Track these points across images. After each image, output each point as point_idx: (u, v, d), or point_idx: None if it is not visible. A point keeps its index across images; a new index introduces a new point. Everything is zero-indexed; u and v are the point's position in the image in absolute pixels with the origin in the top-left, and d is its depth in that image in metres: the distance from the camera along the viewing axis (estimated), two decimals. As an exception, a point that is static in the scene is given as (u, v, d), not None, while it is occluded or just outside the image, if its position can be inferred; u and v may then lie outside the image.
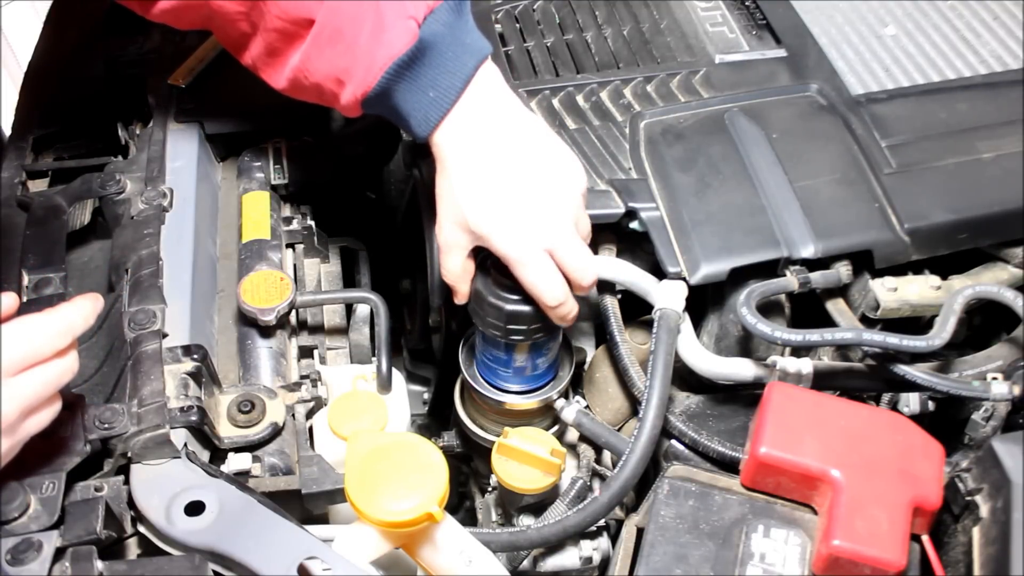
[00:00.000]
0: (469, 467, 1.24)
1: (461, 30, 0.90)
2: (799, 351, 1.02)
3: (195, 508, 0.82)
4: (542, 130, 0.94)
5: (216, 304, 1.07)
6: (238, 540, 0.79)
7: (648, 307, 1.02)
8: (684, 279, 1.01)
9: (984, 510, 0.84)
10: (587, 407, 1.08)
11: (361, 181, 1.25)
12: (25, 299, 0.96)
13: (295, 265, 1.15)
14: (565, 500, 1.02)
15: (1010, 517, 0.79)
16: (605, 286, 1.07)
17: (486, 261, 0.95)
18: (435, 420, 1.42)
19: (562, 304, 0.91)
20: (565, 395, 1.05)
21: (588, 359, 1.16)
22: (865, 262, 1.03)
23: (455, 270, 0.95)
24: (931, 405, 1.02)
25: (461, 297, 0.97)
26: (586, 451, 1.09)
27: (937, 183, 1.06)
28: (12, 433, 0.74)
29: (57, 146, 1.23)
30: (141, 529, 0.83)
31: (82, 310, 0.78)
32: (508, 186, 0.89)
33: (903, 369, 0.96)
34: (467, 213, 0.89)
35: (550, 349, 1.02)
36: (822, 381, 0.99)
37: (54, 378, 0.75)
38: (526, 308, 0.93)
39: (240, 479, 0.88)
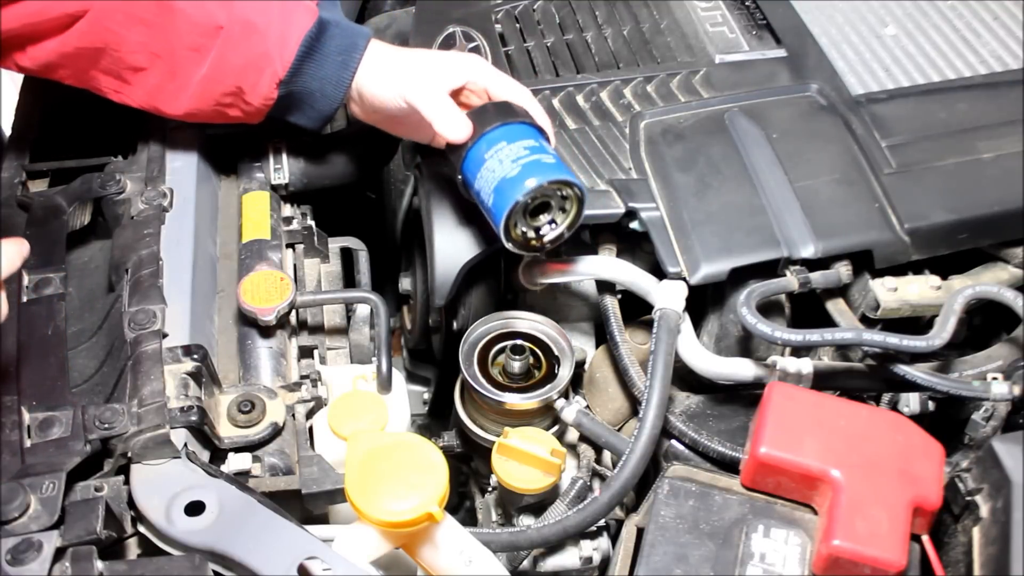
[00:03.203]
0: (469, 467, 1.24)
1: (345, 16, 1.05)
2: (799, 351, 1.02)
3: (195, 508, 0.82)
4: None
5: (216, 304, 1.06)
6: (238, 540, 0.79)
7: (648, 307, 1.02)
8: (684, 279, 1.01)
9: (984, 510, 0.84)
10: (587, 407, 1.08)
11: (361, 181, 1.25)
12: (25, 299, 0.96)
13: (295, 265, 1.15)
14: (565, 500, 1.02)
15: (1010, 517, 0.79)
16: (605, 286, 1.07)
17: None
18: (435, 420, 1.42)
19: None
20: (565, 395, 1.05)
21: (588, 359, 1.16)
22: (865, 262, 1.03)
23: (450, 110, 0.97)
24: (931, 405, 1.02)
25: (464, 128, 0.96)
26: (586, 451, 1.09)
27: (937, 183, 1.06)
28: None
29: (57, 146, 1.23)
30: (141, 529, 0.83)
31: (7, 254, 0.79)
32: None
33: (903, 369, 0.96)
34: (448, 66, 1.01)
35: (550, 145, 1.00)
36: (822, 381, 0.99)
37: None
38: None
39: (240, 479, 0.88)
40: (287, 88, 1.00)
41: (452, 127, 0.96)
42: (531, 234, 0.98)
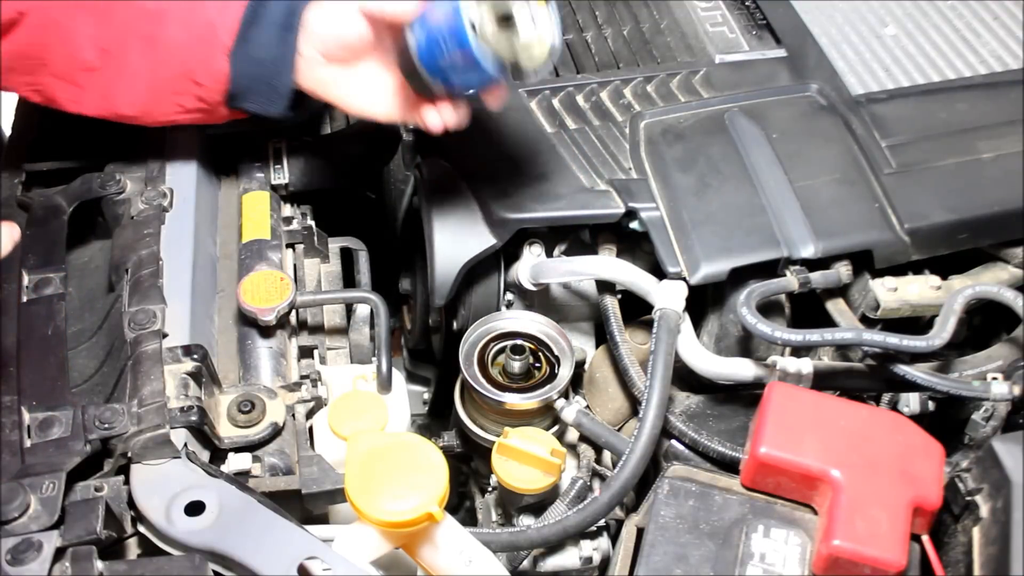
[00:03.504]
0: (469, 467, 1.24)
1: None
2: (799, 351, 1.02)
3: (195, 508, 0.82)
4: None
5: (216, 304, 1.06)
6: (238, 540, 0.79)
7: (648, 307, 1.02)
8: (684, 279, 1.01)
9: (984, 510, 0.84)
10: (587, 407, 1.08)
11: (361, 181, 1.25)
12: (25, 299, 0.96)
13: (295, 265, 1.15)
14: (565, 500, 1.02)
15: (1010, 517, 0.79)
16: (605, 286, 1.07)
17: None
18: (435, 420, 1.42)
19: None
20: (565, 395, 1.05)
21: (588, 359, 1.16)
22: (865, 262, 1.03)
23: None
24: (931, 405, 1.02)
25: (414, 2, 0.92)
26: (586, 451, 1.09)
27: (937, 183, 1.06)
28: None
29: (57, 146, 1.23)
30: (141, 529, 0.83)
31: None
32: None
33: (903, 369, 0.96)
34: None
35: None
36: (822, 381, 0.99)
37: None
38: None
39: (240, 479, 0.88)
40: (237, 63, 0.97)
41: (402, 3, 0.90)
42: (504, 46, 0.88)
